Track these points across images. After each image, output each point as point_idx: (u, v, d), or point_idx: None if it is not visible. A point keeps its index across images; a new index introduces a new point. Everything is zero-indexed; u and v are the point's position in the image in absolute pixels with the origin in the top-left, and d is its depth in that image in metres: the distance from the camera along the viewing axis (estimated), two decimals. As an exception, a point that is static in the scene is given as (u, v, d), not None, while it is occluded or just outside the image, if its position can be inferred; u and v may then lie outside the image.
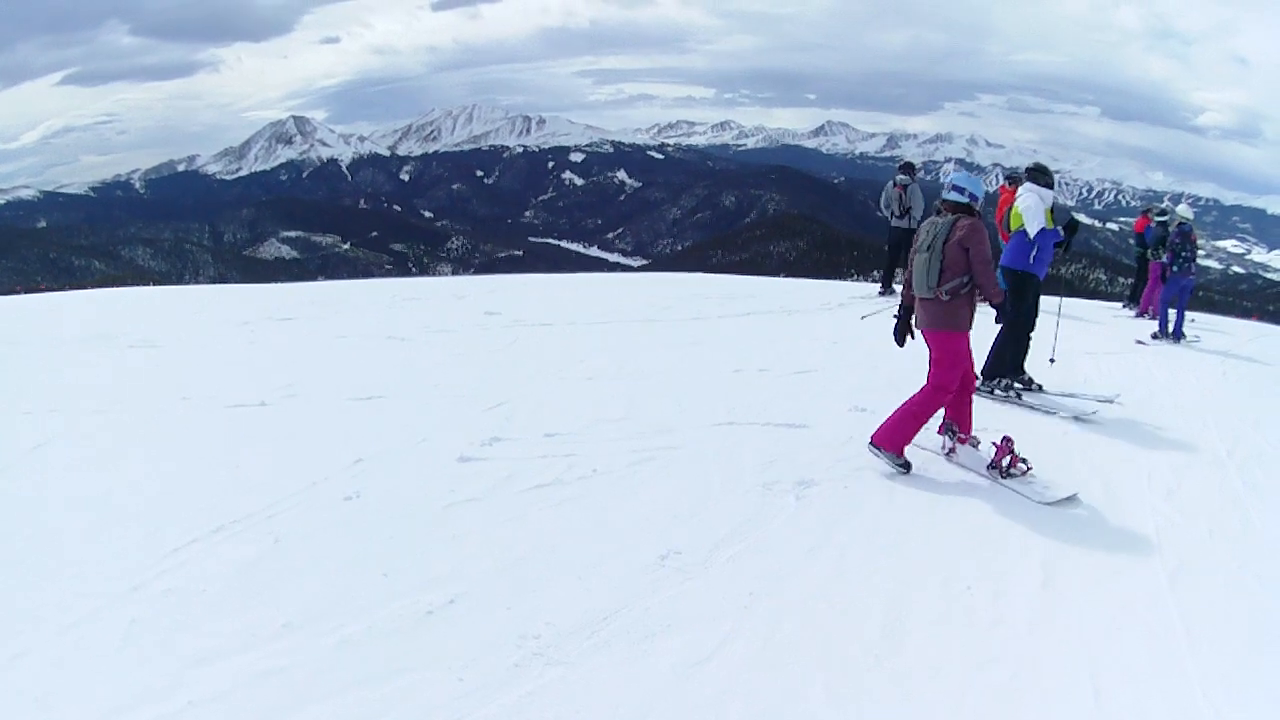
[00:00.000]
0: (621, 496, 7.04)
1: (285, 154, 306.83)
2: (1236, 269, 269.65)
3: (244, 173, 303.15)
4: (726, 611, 5.37)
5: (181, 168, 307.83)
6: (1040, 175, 11.13)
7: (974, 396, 8.60)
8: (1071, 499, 7.71)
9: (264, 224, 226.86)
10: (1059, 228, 10.92)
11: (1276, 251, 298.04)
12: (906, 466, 7.97)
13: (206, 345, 12.98)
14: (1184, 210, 18.10)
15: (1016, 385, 10.74)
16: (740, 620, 5.29)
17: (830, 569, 6.01)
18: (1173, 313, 16.56)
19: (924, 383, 8.10)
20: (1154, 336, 16.51)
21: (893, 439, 7.93)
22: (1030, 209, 10.76)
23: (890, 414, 8.02)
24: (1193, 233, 17.11)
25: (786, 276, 28.13)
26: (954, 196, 8.09)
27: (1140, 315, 19.68)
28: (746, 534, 6.42)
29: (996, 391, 10.71)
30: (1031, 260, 10.69)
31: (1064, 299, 11.45)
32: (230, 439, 8.46)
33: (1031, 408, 10.38)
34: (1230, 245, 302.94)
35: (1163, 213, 19.92)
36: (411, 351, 12.51)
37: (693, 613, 5.35)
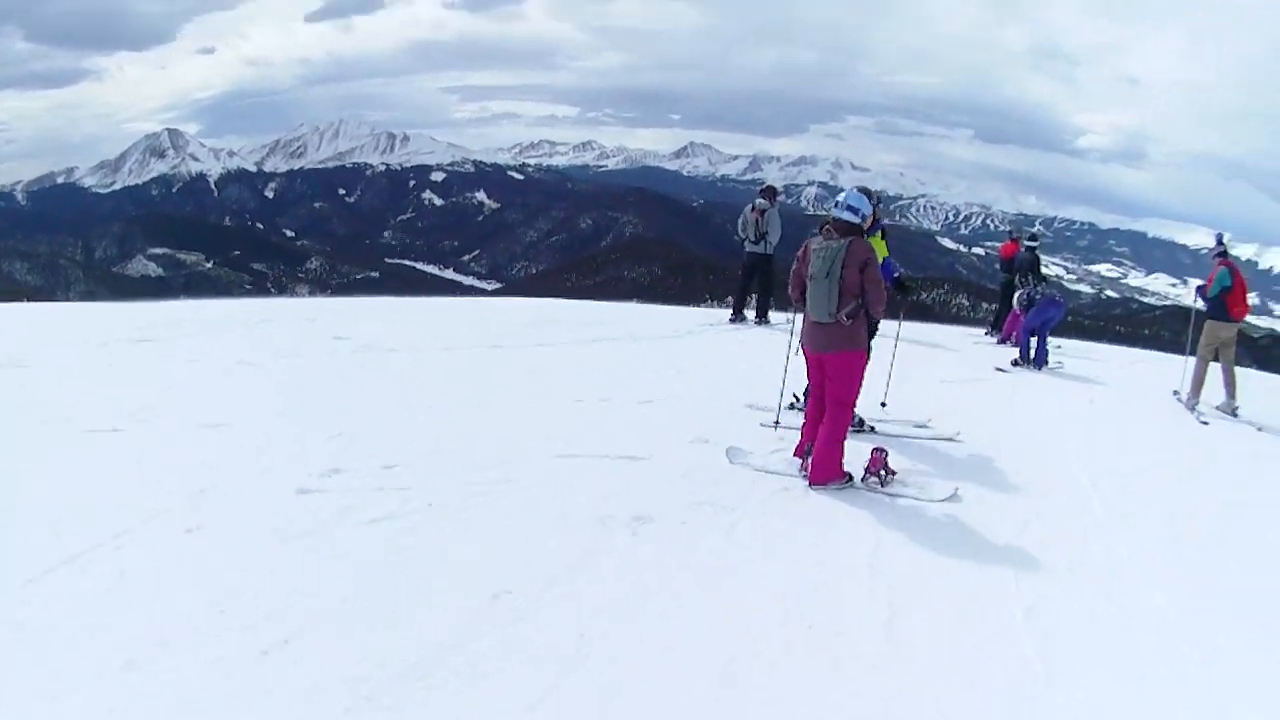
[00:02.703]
0: (456, 532, 6.93)
1: (158, 168, 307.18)
2: (1110, 293, 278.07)
3: (118, 186, 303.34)
4: (558, 653, 5.27)
5: (61, 179, 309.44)
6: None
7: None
8: (954, 496, 8.23)
9: (133, 240, 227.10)
10: (892, 261, 11.01)
11: (1155, 275, 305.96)
12: (851, 478, 8.30)
13: (69, 366, 12.70)
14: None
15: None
16: (571, 663, 5.19)
17: (665, 608, 5.92)
18: (1035, 338, 16.70)
19: (813, 407, 8.69)
20: (1014, 363, 16.70)
21: (829, 471, 8.22)
22: None
23: (814, 453, 8.32)
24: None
25: (640, 302, 28.11)
26: (847, 217, 8.21)
27: (1003, 342, 19.90)
28: (580, 571, 6.33)
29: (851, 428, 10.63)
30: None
31: (902, 324, 11.41)
32: (84, 465, 8.28)
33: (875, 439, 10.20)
34: (1105, 269, 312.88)
35: (1033, 238, 20.25)
36: (260, 377, 12.26)
37: (524, 654, 5.23)
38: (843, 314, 8.00)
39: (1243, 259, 14.37)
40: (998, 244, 25.25)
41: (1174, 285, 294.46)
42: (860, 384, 8.41)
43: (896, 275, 10.95)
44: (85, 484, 7.73)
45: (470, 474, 8.19)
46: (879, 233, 10.84)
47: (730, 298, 19.70)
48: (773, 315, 19.02)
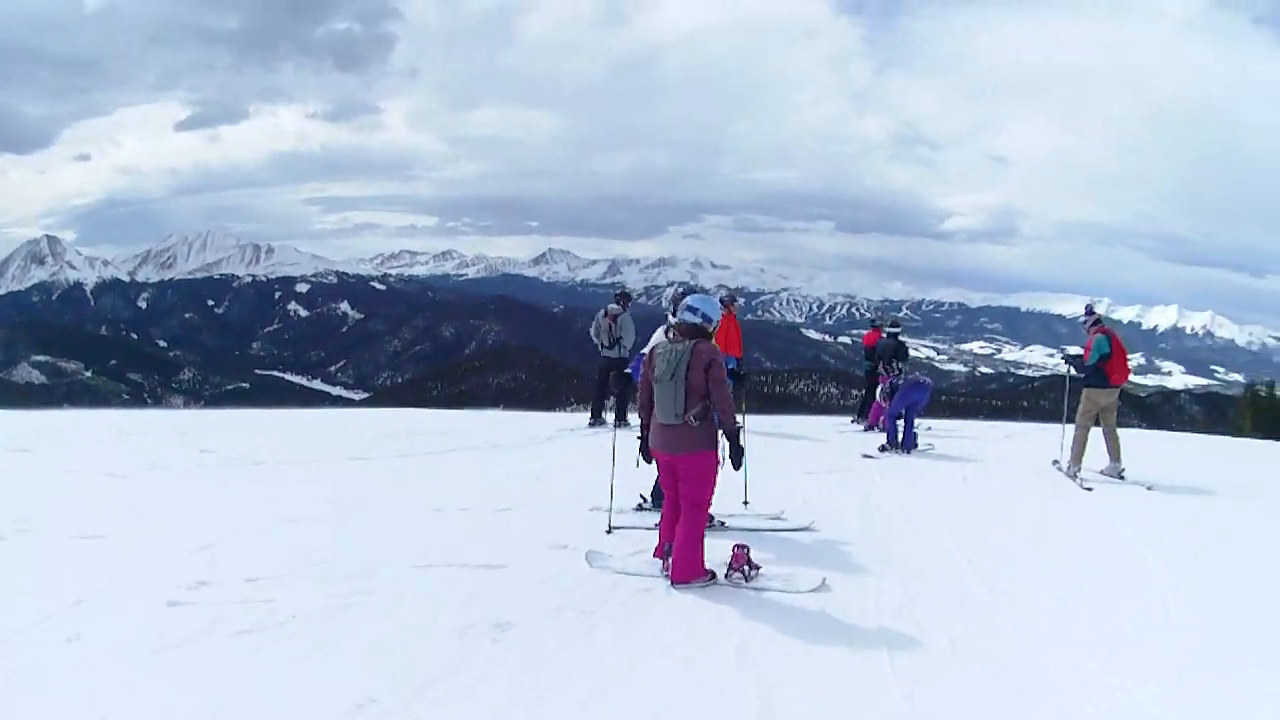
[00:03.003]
0: (320, 642, 6.86)
1: (38, 274, 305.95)
2: (984, 369, 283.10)
3: (2, 291, 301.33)
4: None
5: None
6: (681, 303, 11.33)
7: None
8: (822, 586, 8.11)
9: (17, 346, 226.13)
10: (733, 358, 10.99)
11: (1031, 348, 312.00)
12: (714, 576, 8.20)
13: None
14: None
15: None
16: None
17: (530, 716, 5.80)
18: (901, 422, 16.73)
19: (668, 508, 8.51)
20: (882, 449, 16.62)
21: (690, 569, 8.13)
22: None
23: (674, 553, 8.20)
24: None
25: (504, 408, 28.32)
26: (688, 318, 8.17)
27: (870, 429, 19.85)
28: (443, 680, 6.22)
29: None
30: None
31: (745, 416, 11.31)
32: None
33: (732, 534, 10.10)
34: (977, 347, 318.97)
35: (895, 324, 20.23)
36: (131, 489, 12.54)
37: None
38: (690, 415, 7.95)
39: (1124, 321, 14.66)
40: (863, 332, 25.48)
41: (1050, 355, 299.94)
42: (713, 484, 8.30)
43: (732, 367, 10.76)
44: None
45: (333, 585, 8.14)
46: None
47: (590, 402, 19.66)
48: (632, 418, 18.75)
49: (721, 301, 14.21)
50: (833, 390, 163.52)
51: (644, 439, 8.50)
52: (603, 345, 18.43)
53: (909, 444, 16.60)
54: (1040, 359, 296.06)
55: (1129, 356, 14.55)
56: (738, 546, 8.38)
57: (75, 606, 7.51)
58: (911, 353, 20.11)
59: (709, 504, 8.25)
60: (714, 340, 8.29)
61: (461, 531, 10.23)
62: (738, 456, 8.12)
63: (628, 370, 10.58)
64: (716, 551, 8.47)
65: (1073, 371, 14.97)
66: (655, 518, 9.79)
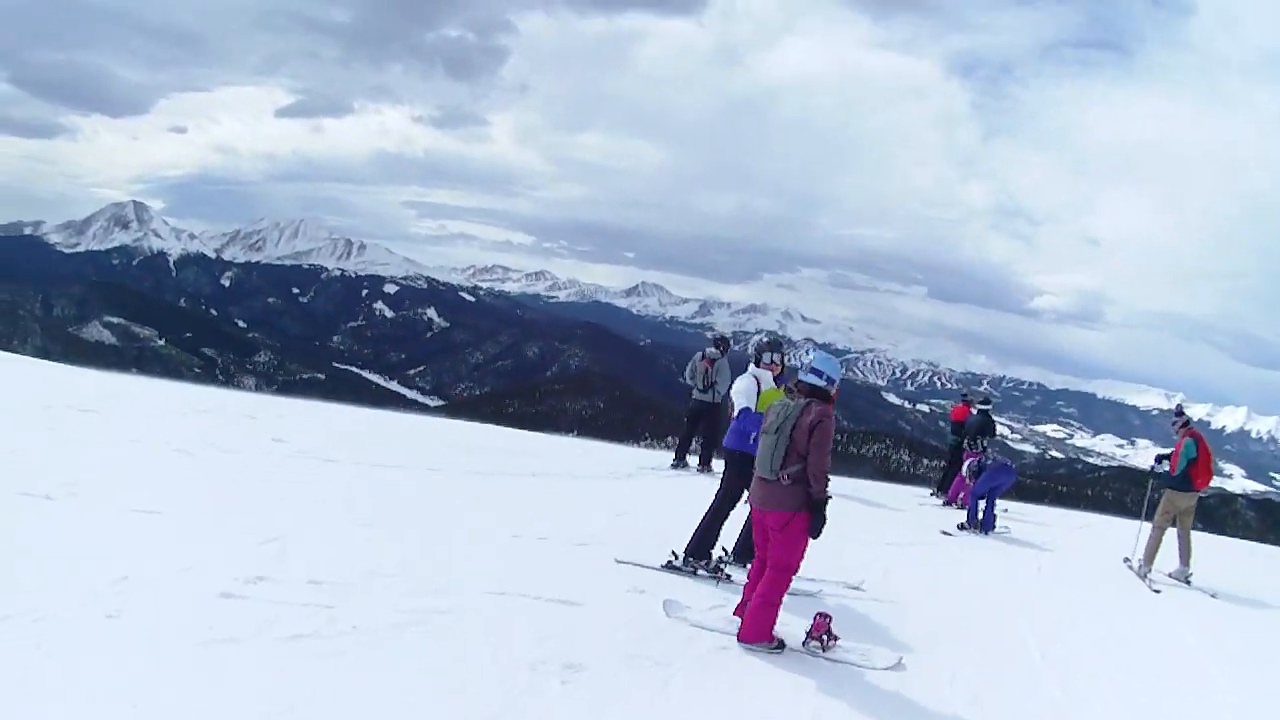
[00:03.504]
0: (380, 661, 6.61)
1: (121, 238, 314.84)
2: (1055, 453, 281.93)
3: (82, 249, 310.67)
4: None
5: (28, 231, 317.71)
6: (767, 353, 11.27)
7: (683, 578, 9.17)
8: (898, 665, 7.93)
9: (91, 304, 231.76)
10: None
11: (1102, 436, 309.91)
12: (781, 645, 7.96)
13: (10, 423, 13.02)
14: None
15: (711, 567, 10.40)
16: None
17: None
18: (982, 502, 16.44)
19: (756, 564, 8.28)
20: (961, 527, 16.38)
21: (758, 632, 7.92)
22: (740, 391, 10.76)
23: (747, 611, 8.04)
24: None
25: (580, 435, 28.05)
26: (811, 379, 8.08)
27: (949, 504, 19.55)
28: (505, 717, 6.03)
29: (700, 572, 10.26)
30: (751, 441, 10.01)
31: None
32: (11, 530, 8.27)
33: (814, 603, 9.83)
34: (1051, 429, 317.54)
35: (986, 400, 20.16)
36: (195, 468, 12.11)
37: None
38: (785, 472, 7.79)
39: (1194, 419, 14.25)
40: (944, 402, 25.32)
41: (1120, 446, 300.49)
42: (803, 549, 8.05)
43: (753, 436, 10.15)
44: (10, 551, 7.69)
45: (401, 600, 7.90)
46: (786, 385, 10.33)
47: (672, 437, 19.43)
48: (716, 464, 18.43)
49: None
50: (905, 457, 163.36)
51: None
52: (697, 389, 18.11)
53: (988, 525, 16.33)
54: (1110, 448, 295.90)
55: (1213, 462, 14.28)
56: (820, 615, 8.19)
57: (120, 583, 7.24)
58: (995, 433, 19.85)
59: (795, 569, 8.02)
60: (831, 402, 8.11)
61: (538, 561, 9.99)
62: (818, 526, 7.88)
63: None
64: (804, 619, 8.31)
65: (1160, 470, 14.66)
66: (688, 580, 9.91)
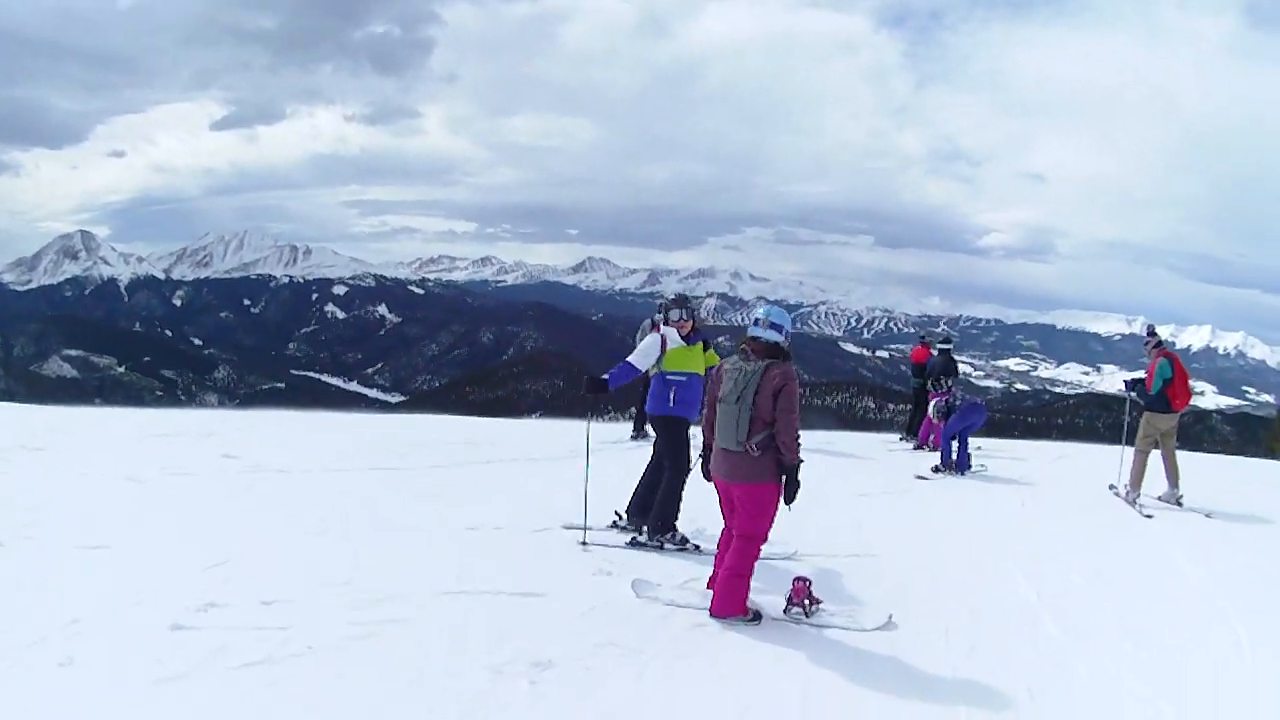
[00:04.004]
0: (336, 679, 6.27)
1: (71, 269, 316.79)
2: (1021, 386, 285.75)
3: (34, 285, 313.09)
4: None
5: None
6: (675, 310, 10.53)
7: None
8: (888, 624, 7.61)
9: (49, 340, 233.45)
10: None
11: (1066, 365, 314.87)
12: (758, 617, 7.57)
13: None
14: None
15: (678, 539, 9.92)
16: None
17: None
18: (955, 443, 16.20)
19: (724, 537, 7.86)
20: (935, 470, 16.05)
21: (731, 605, 7.53)
22: (641, 350, 10.13)
23: (716, 584, 7.69)
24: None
25: (542, 415, 27.71)
26: (770, 336, 7.52)
27: (919, 448, 19.31)
28: (474, 724, 5.62)
29: (667, 545, 9.81)
30: (672, 403, 9.95)
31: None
32: None
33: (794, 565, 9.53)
34: (1013, 364, 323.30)
35: (946, 340, 19.96)
36: (145, 495, 11.73)
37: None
38: (752, 443, 7.30)
39: (1167, 339, 13.95)
40: (903, 346, 25.19)
41: (1086, 373, 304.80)
42: (772, 517, 7.60)
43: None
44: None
45: (354, 612, 7.54)
46: (700, 342, 10.41)
47: (633, 410, 18.92)
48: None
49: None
50: (870, 404, 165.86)
51: (705, 458, 7.89)
52: None
53: (963, 465, 16.04)
54: (1076, 376, 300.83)
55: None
56: (798, 579, 7.77)
57: (71, 626, 6.93)
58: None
59: (764, 538, 7.57)
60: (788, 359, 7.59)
61: (496, 554, 9.51)
62: (792, 492, 7.45)
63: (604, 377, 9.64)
64: (781, 584, 7.96)
65: (1134, 396, 14.61)
66: (627, 537, 9.88)
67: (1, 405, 26.37)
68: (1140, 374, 14.27)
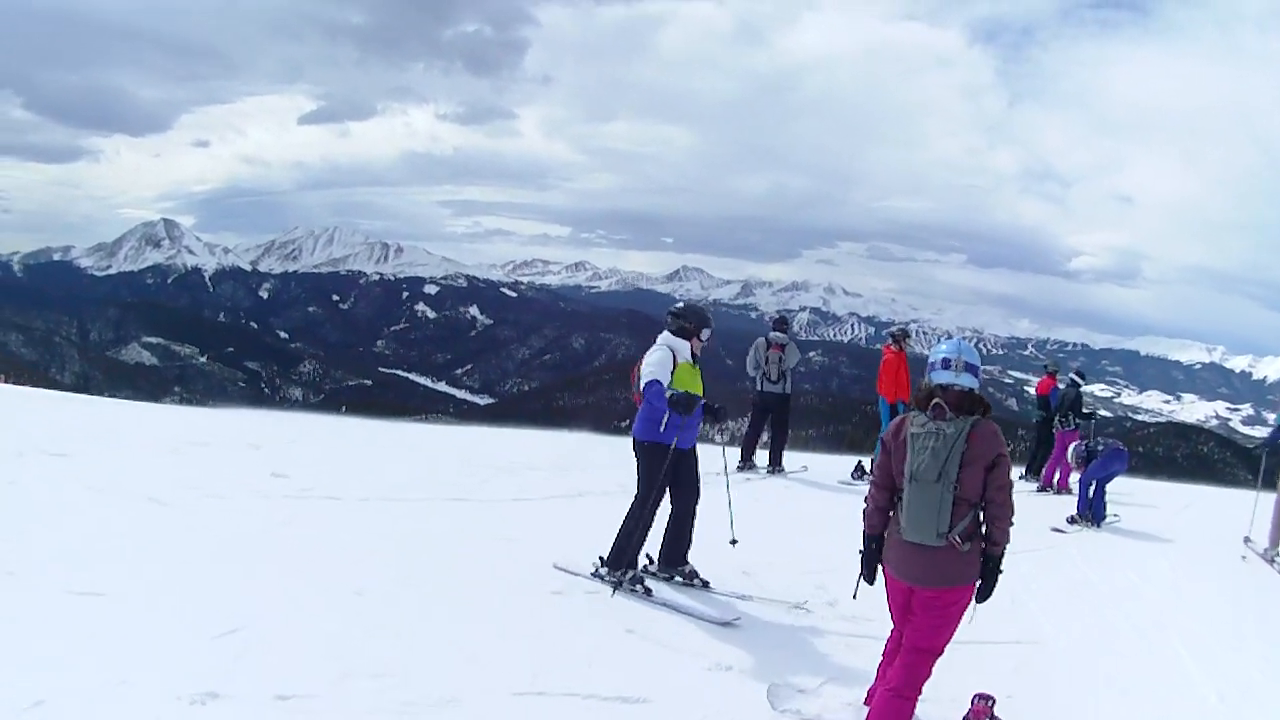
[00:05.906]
0: None
1: (153, 256, 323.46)
2: (1104, 413, 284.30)
3: (114, 270, 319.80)
4: None
5: (58, 256, 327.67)
6: (680, 319, 9.11)
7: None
8: None
9: (128, 326, 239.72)
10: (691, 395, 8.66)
11: (1148, 393, 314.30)
12: None
13: None
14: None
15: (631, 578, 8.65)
16: None
17: None
18: (1092, 489, 14.48)
19: (892, 642, 5.90)
20: (1071, 520, 14.35)
21: None
22: (653, 363, 8.70)
23: (874, 704, 5.68)
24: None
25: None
26: (966, 381, 5.55)
27: (1043, 489, 17.91)
28: None
29: (624, 585, 8.49)
30: (663, 428, 8.59)
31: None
32: None
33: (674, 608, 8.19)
34: (1098, 389, 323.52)
35: (1080, 373, 18.56)
36: (163, 524, 9.83)
37: None
38: (955, 534, 5.31)
39: (1236, 371, 12.36)
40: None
41: (1166, 402, 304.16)
42: (956, 626, 5.55)
43: (670, 395, 8.50)
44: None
45: (394, 718, 5.68)
46: (692, 360, 9.03)
47: (743, 441, 17.15)
48: (789, 462, 17.02)
49: (892, 336, 12.31)
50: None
51: (870, 551, 5.83)
52: (767, 380, 16.30)
53: (1099, 516, 14.37)
54: (1156, 404, 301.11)
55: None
56: (979, 698, 5.86)
57: (34, 709, 5.34)
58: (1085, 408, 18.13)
59: (941, 652, 5.53)
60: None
61: (585, 632, 7.54)
62: (990, 588, 5.51)
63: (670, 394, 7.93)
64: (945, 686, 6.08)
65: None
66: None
67: (48, 396, 25.68)
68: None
